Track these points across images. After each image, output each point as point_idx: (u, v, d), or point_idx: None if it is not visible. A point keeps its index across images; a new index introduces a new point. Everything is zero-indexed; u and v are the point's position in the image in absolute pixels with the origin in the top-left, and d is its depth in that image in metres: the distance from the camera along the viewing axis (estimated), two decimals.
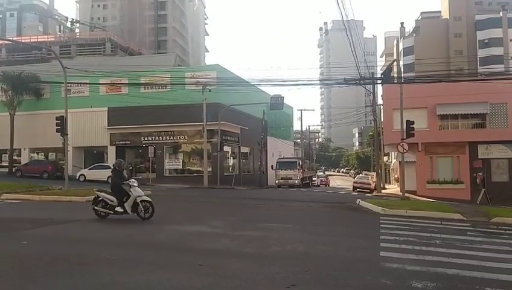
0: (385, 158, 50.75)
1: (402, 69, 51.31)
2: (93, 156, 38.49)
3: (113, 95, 36.04)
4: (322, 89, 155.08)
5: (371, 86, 33.70)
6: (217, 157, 33.06)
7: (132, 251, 7.83)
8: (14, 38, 53.18)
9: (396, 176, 45.21)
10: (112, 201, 11.55)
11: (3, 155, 39.15)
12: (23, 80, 35.94)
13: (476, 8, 75.21)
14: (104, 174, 30.95)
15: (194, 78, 33.98)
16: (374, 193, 32.06)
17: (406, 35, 77.71)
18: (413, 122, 22.51)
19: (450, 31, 71.08)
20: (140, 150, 37.31)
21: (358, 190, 36.18)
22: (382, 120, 37.55)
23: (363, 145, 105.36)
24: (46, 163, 34.94)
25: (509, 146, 30.31)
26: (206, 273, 6.24)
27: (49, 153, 38.69)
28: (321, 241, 9.36)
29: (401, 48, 75.31)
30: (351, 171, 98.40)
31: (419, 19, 79.10)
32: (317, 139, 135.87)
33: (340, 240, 9.67)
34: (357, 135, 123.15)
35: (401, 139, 22.76)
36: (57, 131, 20.75)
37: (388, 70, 25.93)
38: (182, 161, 36.47)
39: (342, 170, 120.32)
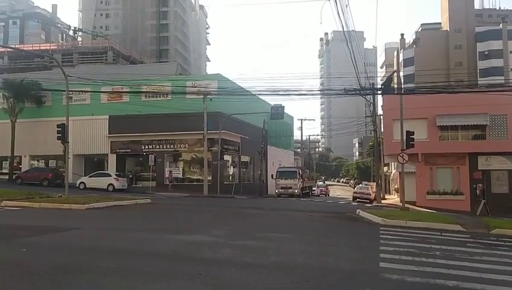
0: (385, 168, 50.73)
1: (402, 80, 51.55)
2: (93, 163, 38.51)
3: (114, 103, 36.20)
4: (323, 99, 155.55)
5: (371, 96, 33.83)
6: (217, 166, 33.09)
7: (132, 259, 7.81)
8: (16, 46, 53.46)
9: (396, 187, 45.16)
10: None
11: (3, 162, 39.20)
12: (25, 87, 36.12)
13: (476, 20, 75.65)
14: (104, 182, 31.05)
15: (195, 87, 34.14)
16: (374, 203, 32.03)
17: (406, 46, 78.08)
18: (413, 133, 22.55)
19: (450, 43, 71.44)
20: (140, 158, 37.37)
21: (358, 200, 36.17)
22: (382, 130, 37.60)
23: (363, 155, 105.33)
24: (46, 170, 34.93)
25: (509, 158, 30.31)
26: (205, 283, 6.23)
27: (50, 161, 38.74)
28: (321, 251, 9.34)
29: (401, 59, 75.64)
30: (351, 181, 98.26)
31: (419, 30, 79.55)
32: (317, 149, 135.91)
33: (339, 250, 9.65)
34: (357, 145, 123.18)
35: (401, 150, 22.78)
36: (58, 138, 20.77)
37: (388, 81, 26.03)
38: (182, 169, 36.50)
39: (342, 179, 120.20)
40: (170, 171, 35.07)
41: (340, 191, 75.00)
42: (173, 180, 34.43)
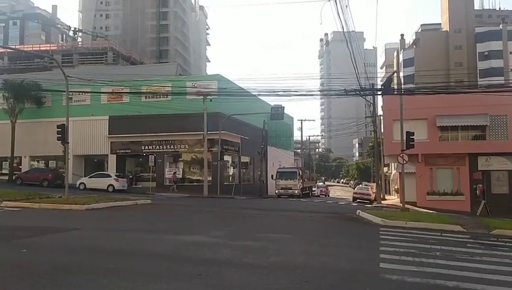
0: (385, 169, 50.72)
1: (402, 81, 51.54)
2: (93, 164, 38.50)
3: (114, 103, 36.17)
4: (323, 100, 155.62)
5: (371, 96, 33.83)
6: (217, 166, 33.08)
7: (132, 260, 7.81)
8: (16, 47, 53.51)
9: (396, 187, 45.16)
10: None
11: (3, 163, 39.18)
12: (25, 88, 36.11)
13: (476, 20, 75.62)
14: (104, 183, 31.03)
15: (195, 87, 34.13)
16: (374, 204, 32.03)
17: (406, 47, 78.08)
18: (413, 134, 22.54)
19: (450, 43, 71.42)
20: (140, 159, 37.36)
21: (358, 200, 36.17)
22: (382, 131, 37.61)
23: (363, 155, 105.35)
24: (46, 171, 34.91)
25: (509, 158, 30.31)
26: (205, 283, 6.23)
27: (50, 161, 38.72)
28: (321, 252, 9.34)
29: (401, 59, 75.63)
30: (351, 181, 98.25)
31: (419, 31, 79.55)
32: (317, 150, 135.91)
33: (339, 251, 9.65)
34: (357, 145, 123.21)
35: (401, 150, 22.77)
36: (58, 139, 20.77)
37: (388, 81, 26.03)
38: (182, 170, 36.48)
39: (342, 180, 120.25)
40: (174, 173, 35.10)
41: (340, 191, 75.01)
42: (177, 181, 34.33)
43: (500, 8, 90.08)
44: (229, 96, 30.99)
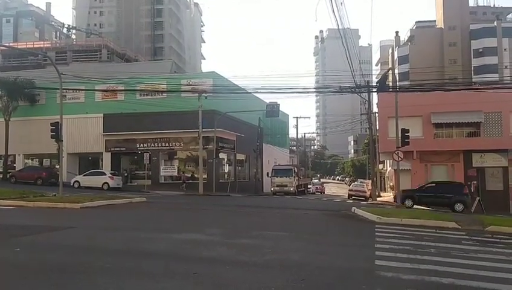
0: (380, 166, 50.79)
1: (397, 78, 51.62)
2: (88, 162, 38.30)
3: (108, 101, 36.02)
4: (318, 97, 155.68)
5: (366, 94, 33.87)
6: (213, 164, 33.02)
7: (127, 259, 7.77)
8: (10, 44, 53.15)
9: (391, 184, 45.26)
10: None
11: None
12: (19, 85, 35.84)
13: (471, 17, 75.87)
14: (99, 181, 30.88)
15: (190, 85, 34.01)
16: (369, 201, 32.11)
17: (401, 44, 78.23)
18: (408, 131, 22.59)
19: (444, 40, 71.66)
20: (135, 157, 37.22)
21: (353, 197, 36.25)
22: (377, 128, 37.69)
23: (358, 153, 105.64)
24: (40, 169, 34.72)
25: (504, 155, 30.45)
26: (201, 282, 6.21)
27: (44, 159, 38.47)
28: (316, 249, 9.34)
29: (396, 56, 75.79)
30: (346, 178, 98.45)
31: (414, 28, 79.73)
32: (312, 147, 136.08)
33: (335, 248, 9.65)
34: (352, 142, 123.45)
35: (396, 147, 22.82)
36: (52, 137, 20.64)
37: (383, 78, 26.04)
38: (178, 167, 36.40)
39: (337, 177, 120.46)
40: (183, 172, 35.04)
41: (336, 188, 75.13)
42: (186, 180, 34.07)
43: (494, 5, 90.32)
44: (224, 93, 30.89)
